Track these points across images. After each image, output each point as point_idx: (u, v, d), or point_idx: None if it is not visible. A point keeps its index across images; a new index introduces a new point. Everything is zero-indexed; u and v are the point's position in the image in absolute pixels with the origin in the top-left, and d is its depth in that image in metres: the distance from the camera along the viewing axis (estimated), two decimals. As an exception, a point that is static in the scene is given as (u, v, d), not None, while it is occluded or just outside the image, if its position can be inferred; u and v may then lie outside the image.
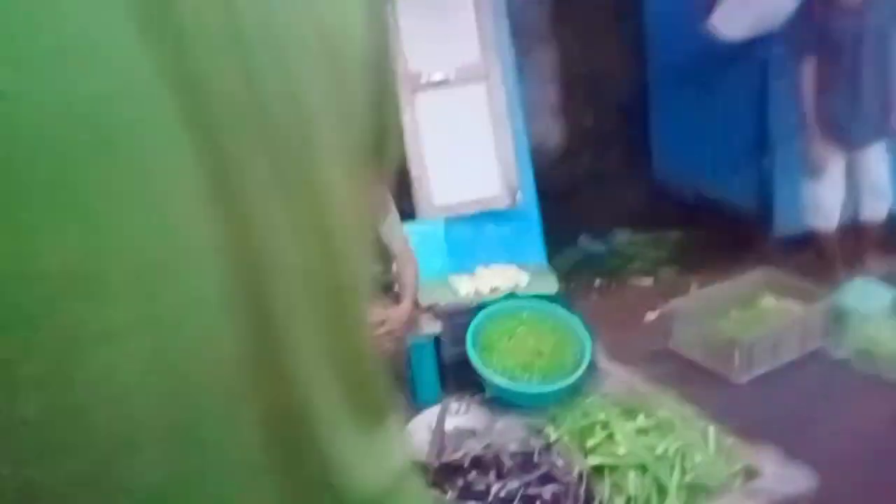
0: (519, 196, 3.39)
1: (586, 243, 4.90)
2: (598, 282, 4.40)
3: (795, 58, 3.60)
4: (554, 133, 5.50)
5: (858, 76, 3.38)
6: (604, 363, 3.17)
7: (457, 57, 3.26)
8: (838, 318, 3.14)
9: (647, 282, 4.31)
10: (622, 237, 4.97)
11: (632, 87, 5.41)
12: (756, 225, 4.38)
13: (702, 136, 4.84)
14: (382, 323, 2.58)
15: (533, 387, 2.75)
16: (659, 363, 3.12)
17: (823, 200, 3.64)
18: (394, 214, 2.69)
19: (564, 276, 4.31)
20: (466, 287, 3.20)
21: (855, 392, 2.79)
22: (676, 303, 3.19)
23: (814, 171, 3.63)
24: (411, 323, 2.82)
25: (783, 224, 4.21)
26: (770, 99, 4.06)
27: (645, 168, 5.52)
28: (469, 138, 3.34)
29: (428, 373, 2.93)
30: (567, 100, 5.56)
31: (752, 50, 3.95)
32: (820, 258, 3.82)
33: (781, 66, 3.90)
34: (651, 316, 3.76)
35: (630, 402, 2.67)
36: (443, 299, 3.11)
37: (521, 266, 3.40)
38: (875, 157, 3.56)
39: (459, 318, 3.09)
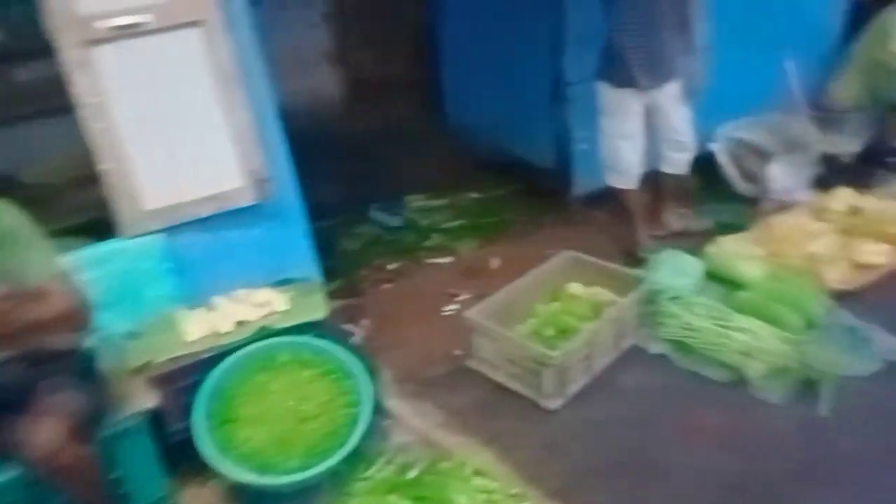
0: (269, 186, 2.49)
1: (379, 216, 4.14)
2: (392, 265, 3.68)
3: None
4: (326, 85, 4.58)
5: (651, 15, 2.94)
6: (392, 402, 2.49)
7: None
8: (650, 304, 2.71)
9: (446, 259, 3.68)
10: (417, 204, 4.28)
11: (420, 24, 4.62)
12: (556, 183, 3.93)
13: (494, 82, 4.22)
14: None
15: (290, 475, 1.97)
16: (459, 390, 2.50)
17: (622, 155, 3.22)
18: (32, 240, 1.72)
19: (348, 269, 3.62)
20: (199, 327, 2.29)
21: (678, 404, 2.37)
22: (473, 312, 2.55)
23: (609, 116, 3.19)
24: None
25: (583, 182, 3.82)
26: (565, 36, 3.49)
27: (439, 124, 4.84)
28: (184, 109, 2.35)
29: (143, 464, 2.02)
30: (342, 43, 4.62)
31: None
32: (624, 219, 3.47)
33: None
34: (449, 309, 3.15)
35: (424, 469, 2.02)
36: (162, 352, 2.18)
37: (280, 285, 2.55)
38: (672, 104, 3.18)
39: (188, 377, 2.20)
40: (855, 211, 3.35)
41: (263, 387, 2.15)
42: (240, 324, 2.31)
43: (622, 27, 2.97)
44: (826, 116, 4.23)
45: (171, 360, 2.18)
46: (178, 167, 2.39)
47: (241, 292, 2.43)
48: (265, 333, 2.28)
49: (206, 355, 2.21)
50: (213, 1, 2.24)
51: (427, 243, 3.90)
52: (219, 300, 2.40)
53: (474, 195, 4.35)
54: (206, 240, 2.47)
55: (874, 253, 2.94)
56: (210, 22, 2.27)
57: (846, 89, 4.24)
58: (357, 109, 4.80)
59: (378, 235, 4.04)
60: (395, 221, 4.12)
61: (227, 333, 2.27)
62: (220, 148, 2.43)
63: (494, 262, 3.59)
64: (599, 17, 3.05)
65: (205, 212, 2.45)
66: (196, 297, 2.41)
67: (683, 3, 2.97)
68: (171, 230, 2.40)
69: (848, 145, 4.01)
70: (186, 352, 2.20)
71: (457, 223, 4.08)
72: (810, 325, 2.56)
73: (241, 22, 2.37)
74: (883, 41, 4.00)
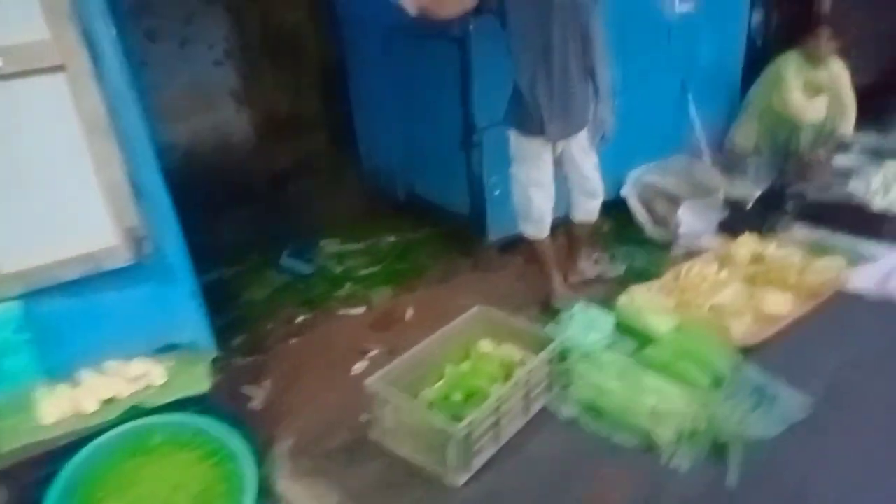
0: (147, 244, 2.27)
1: (289, 263, 3.92)
2: (301, 317, 3.47)
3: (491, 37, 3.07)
4: (233, 124, 4.37)
5: (557, 65, 2.91)
6: (283, 484, 2.27)
7: (8, 33, 1.98)
8: (561, 363, 2.62)
9: (359, 310, 3.50)
10: (330, 249, 4.10)
11: (331, 62, 4.49)
12: (471, 229, 3.86)
13: (405, 124, 4.12)
14: None
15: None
16: (359, 466, 2.31)
17: (534, 204, 3.17)
18: None
19: (252, 321, 3.39)
20: (59, 407, 2.02)
21: (588, 473, 2.26)
22: (377, 380, 2.37)
23: (520, 163, 3.13)
24: None
25: (497, 228, 3.74)
26: (472, 82, 3.44)
27: (352, 164, 4.71)
28: (46, 162, 2.11)
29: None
30: (247, 81, 4.44)
31: (450, 29, 3.28)
32: (539, 266, 3.41)
33: (481, 46, 3.34)
34: (358, 367, 2.97)
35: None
36: (11, 440, 1.90)
37: (162, 352, 2.31)
38: (581, 152, 3.15)
39: (41, 468, 1.92)
40: (758, 258, 3.40)
41: (131, 476, 1.90)
42: (108, 402, 2.06)
43: (531, 77, 2.92)
44: (729, 161, 4.36)
45: (22, 448, 1.90)
46: (40, 225, 2.14)
47: (112, 364, 2.18)
48: (137, 412, 2.04)
49: (66, 441, 1.94)
50: (76, 44, 2.03)
51: (339, 292, 3.70)
52: (85, 374, 2.15)
53: (390, 239, 4.21)
54: (73, 305, 2.21)
55: (778, 303, 2.97)
56: (75, 67, 2.05)
57: (745, 135, 4.39)
58: (266, 149, 4.59)
59: (288, 283, 3.82)
60: (306, 269, 3.92)
61: (92, 414, 2.02)
62: (90, 203, 2.19)
63: (408, 313, 3.44)
64: (506, 61, 2.99)
65: (72, 274, 2.19)
66: (59, 372, 2.14)
67: (588, 51, 2.95)
68: (32, 295, 2.14)
69: (750, 190, 4.11)
70: (41, 438, 1.93)
71: (371, 270, 3.92)
72: (717, 382, 2.53)
73: (114, 65, 2.17)
74: (776, 88, 4.16)
